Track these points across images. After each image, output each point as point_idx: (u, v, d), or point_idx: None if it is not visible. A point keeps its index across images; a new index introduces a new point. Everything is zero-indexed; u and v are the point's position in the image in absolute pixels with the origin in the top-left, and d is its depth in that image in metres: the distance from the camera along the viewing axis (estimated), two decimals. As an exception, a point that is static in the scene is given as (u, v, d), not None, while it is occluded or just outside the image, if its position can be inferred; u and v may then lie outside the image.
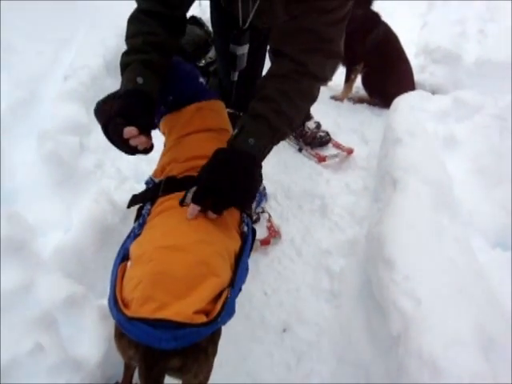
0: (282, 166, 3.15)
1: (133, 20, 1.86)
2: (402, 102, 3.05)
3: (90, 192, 2.37)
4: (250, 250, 1.67)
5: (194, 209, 1.49)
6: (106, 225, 2.19)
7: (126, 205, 2.32)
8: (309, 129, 3.34)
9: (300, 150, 3.31)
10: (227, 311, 1.33)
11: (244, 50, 2.05)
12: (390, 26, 3.77)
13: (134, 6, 4.12)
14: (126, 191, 2.46)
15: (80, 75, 3.22)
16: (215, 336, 1.40)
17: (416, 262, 1.87)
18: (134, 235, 1.58)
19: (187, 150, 1.77)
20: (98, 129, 2.97)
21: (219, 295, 1.36)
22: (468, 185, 2.38)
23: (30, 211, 2.19)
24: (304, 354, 2.11)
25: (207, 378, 1.46)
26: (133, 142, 1.61)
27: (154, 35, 1.75)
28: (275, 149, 3.21)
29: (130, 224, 2.18)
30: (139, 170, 2.71)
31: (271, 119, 1.64)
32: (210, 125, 1.85)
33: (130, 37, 1.83)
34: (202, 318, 1.27)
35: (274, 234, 2.60)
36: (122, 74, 1.75)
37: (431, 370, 1.50)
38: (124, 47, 3.37)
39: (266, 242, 2.55)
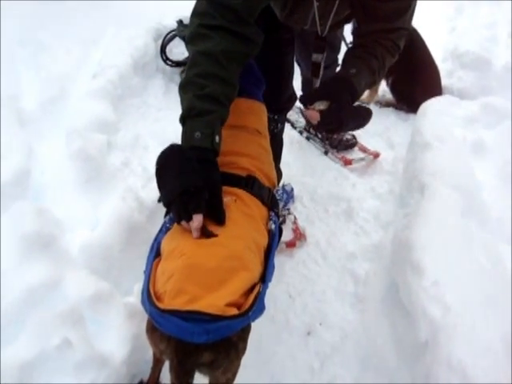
0: (307, 169, 3.14)
1: (196, 38, 1.64)
2: (430, 106, 3.03)
3: (117, 190, 2.38)
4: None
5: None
6: (133, 223, 2.21)
7: (152, 203, 2.36)
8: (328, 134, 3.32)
9: (326, 152, 3.30)
10: (258, 307, 1.34)
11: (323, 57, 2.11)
12: (418, 31, 3.74)
13: (161, 7, 4.19)
14: (152, 189, 2.46)
15: (108, 74, 3.26)
16: (245, 332, 1.41)
17: (444, 268, 1.85)
18: (165, 229, 1.58)
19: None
20: (125, 127, 3.05)
21: (251, 289, 1.37)
22: (496, 191, 2.35)
23: (58, 207, 2.22)
24: (328, 358, 2.11)
25: (234, 376, 1.46)
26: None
27: (232, 86, 1.64)
28: (301, 152, 3.25)
29: (156, 222, 2.20)
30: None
31: (369, 60, 1.83)
32: (244, 123, 1.86)
33: (200, 65, 1.59)
34: (234, 311, 1.28)
35: (299, 236, 2.60)
36: (184, 93, 1.61)
37: (460, 379, 1.48)
38: (151, 47, 3.41)
39: (291, 245, 2.55)
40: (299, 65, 2.83)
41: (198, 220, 1.42)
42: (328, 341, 2.17)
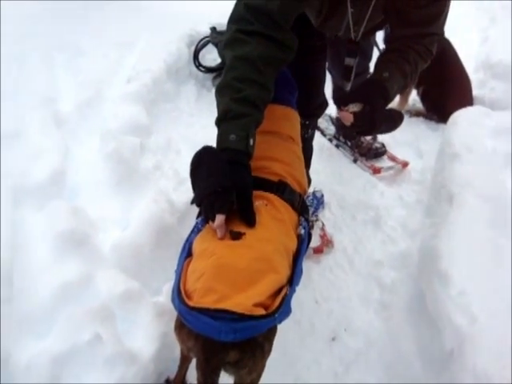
0: (336, 177, 3.16)
1: (234, 43, 1.67)
2: (461, 117, 3.02)
3: (149, 192, 2.42)
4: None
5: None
6: (164, 224, 2.25)
7: (183, 205, 2.40)
8: (365, 140, 3.34)
9: (355, 160, 3.31)
10: (284, 309, 1.36)
11: (355, 61, 2.15)
12: (450, 41, 3.73)
13: (194, 13, 4.25)
14: (183, 192, 2.52)
15: (142, 78, 3.34)
16: (271, 334, 1.43)
17: (472, 278, 1.86)
18: (197, 230, 1.61)
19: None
20: (157, 130, 3.11)
21: (278, 291, 1.39)
22: (526, 203, 2.35)
23: (92, 207, 2.29)
24: (352, 364, 2.11)
25: (259, 376, 1.49)
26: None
27: (268, 91, 1.66)
28: (330, 159, 3.26)
29: (186, 224, 2.26)
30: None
31: (402, 65, 1.87)
32: (277, 129, 1.88)
33: (237, 69, 1.62)
34: (261, 311, 1.30)
35: (326, 242, 2.62)
36: (220, 96, 1.63)
37: (485, 388, 1.49)
38: (185, 53, 3.47)
39: (318, 251, 2.56)
40: (330, 72, 2.85)
41: (219, 220, 1.45)
42: (352, 347, 2.18)
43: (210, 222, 1.48)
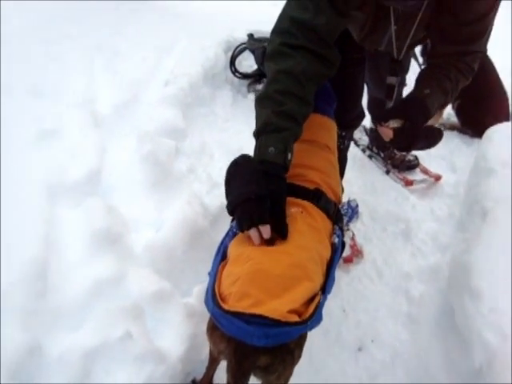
0: (368, 187, 3.16)
1: (278, 56, 1.67)
2: (497, 132, 2.99)
3: (182, 194, 2.45)
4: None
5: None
6: (197, 227, 2.28)
7: (216, 209, 2.42)
8: (398, 152, 3.33)
9: (387, 172, 3.31)
10: (316, 317, 1.37)
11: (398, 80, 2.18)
12: (488, 54, 3.70)
13: (232, 20, 4.29)
14: (216, 196, 2.55)
15: (180, 82, 3.38)
16: (302, 340, 1.44)
17: (503, 294, 1.83)
18: (232, 233, 1.63)
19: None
20: (192, 134, 3.14)
21: (311, 299, 1.40)
22: None
23: (126, 207, 2.32)
24: (377, 375, 2.11)
25: (287, 382, 1.50)
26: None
27: (308, 105, 1.67)
28: (362, 170, 3.26)
29: (219, 228, 2.28)
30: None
31: (443, 82, 1.86)
32: (315, 138, 1.90)
33: (280, 83, 1.62)
34: (295, 318, 1.31)
35: (356, 252, 2.62)
36: (261, 107, 1.64)
37: (514, 407, 1.47)
38: (222, 58, 3.51)
39: (348, 260, 2.57)
40: (367, 84, 2.86)
41: (266, 232, 1.47)
42: (378, 358, 2.18)
43: (252, 231, 1.48)
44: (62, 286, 1.89)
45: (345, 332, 2.26)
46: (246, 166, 1.56)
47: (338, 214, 1.78)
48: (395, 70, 2.14)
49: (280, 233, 1.51)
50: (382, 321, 2.34)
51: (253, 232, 1.48)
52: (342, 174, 2.53)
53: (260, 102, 1.65)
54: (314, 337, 1.57)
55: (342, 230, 1.77)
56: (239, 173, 1.55)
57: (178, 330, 1.90)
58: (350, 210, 2.75)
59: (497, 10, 1.78)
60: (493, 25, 1.83)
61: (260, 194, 1.46)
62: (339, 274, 2.49)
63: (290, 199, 1.60)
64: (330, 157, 1.93)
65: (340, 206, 1.82)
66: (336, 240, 1.68)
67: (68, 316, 1.80)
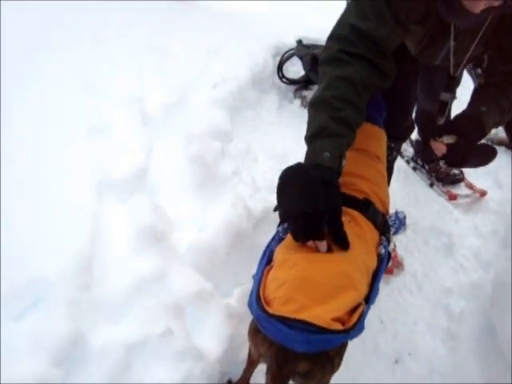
0: (411, 199, 3.13)
1: (336, 62, 1.66)
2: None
3: (226, 196, 2.47)
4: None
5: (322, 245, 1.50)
6: (240, 229, 2.29)
7: (259, 213, 2.44)
8: (443, 165, 3.29)
9: (431, 185, 3.27)
10: (359, 326, 1.37)
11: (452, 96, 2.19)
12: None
13: (281, 25, 4.31)
14: (258, 200, 2.56)
15: (228, 85, 3.41)
16: (342, 349, 1.44)
17: (548, 316, 1.81)
18: (278, 238, 1.63)
19: None
20: (238, 137, 3.16)
21: (355, 308, 1.40)
22: None
23: (171, 206, 2.35)
24: (413, 389, 2.10)
25: None
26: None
27: (362, 115, 1.66)
28: (406, 181, 3.23)
29: (261, 232, 2.30)
30: (273, 181, 2.80)
31: (500, 100, 1.84)
32: (365, 147, 1.89)
33: (338, 89, 1.61)
34: (339, 326, 1.31)
35: (397, 264, 2.60)
36: (317, 111, 1.62)
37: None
38: (270, 63, 3.53)
39: (389, 271, 2.55)
40: (417, 96, 2.84)
41: (322, 247, 1.46)
42: (415, 372, 2.16)
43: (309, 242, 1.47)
44: (106, 279, 1.93)
45: (382, 343, 2.25)
46: (300, 175, 1.50)
47: (385, 225, 1.77)
48: (450, 87, 2.13)
49: (340, 242, 1.49)
50: (420, 334, 2.32)
51: (310, 243, 1.47)
52: (387, 185, 2.51)
53: (315, 106, 1.63)
54: (351, 346, 1.56)
55: (388, 240, 1.76)
56: (294, 181, 1.49)
57: (217, 330, 1.92)
58: (397, 222, 2.71)
59: None
60: None
61: (318, 210, 1.43)
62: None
63: None
64: (380, 167, 1.92)
65: (387, 217, 1.81)
66: (382, 251, 1.67)
67: (111, 309, 1.84)
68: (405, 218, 2.58)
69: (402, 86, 2.30)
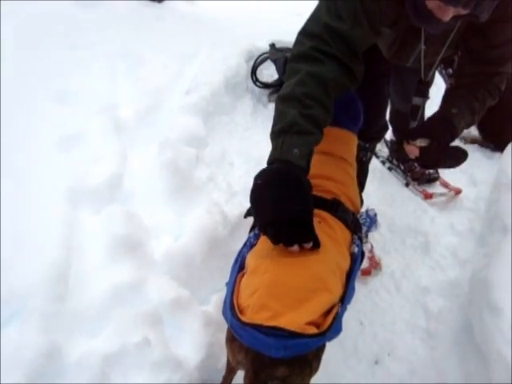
0: (387, 199, 3.14)
1: (308, 59, 1.65)
2: (518, 146, 2.96)
3: (202, 203, 2.46)
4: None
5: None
6: (216, 235, 2.29)
7: (235, 218, 2.43)
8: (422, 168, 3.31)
9: (407, 184, 3.29)
10: (335, 328, 1.38)
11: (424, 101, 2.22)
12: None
13: (253, 29, 4.30)
14: (235, 205, 2.55)
15: (201, 90, 3.41)
16: (320, 352, 1.44)
17: (524, 312, 1.81)
18: (250, 244, 1.64)
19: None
20: (213, 142, 3.16)
21: (330, 310, 1.41)
22: None
23: (146, 214, 2.33)
24: (394, 389, 2.10)
25: None
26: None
27: (330, 115, 1.66)
28: (382, 181, 3.24)
29: (238, 237, 2.29)
30: (249, 185, 2.79)
31: (470, 102, 1.90)
32: (330, 150, 1.90)
33: (308, 86, 1.60)
34: (313, 330, 1.32)
35: (374, 265, 2.61)
36: (286, 107, 1.59)
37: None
38: (243, 68, 3.52)
39: (366, 272, 2.55)
40: (390, 96, 2.86)
41: (295, 249, 1.46)
42: (395, 373, 2.16)
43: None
44: (81, 290, 1.92)
45: (361, 344, 2.25)
46: (274, 179, 1.46)
47: (356, 224, 1.78)
48: (422, 92, 2.16)
49: (314, 244, 1.48)
50: (399, 334, 2.32)
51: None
52: (363, 186, 2.52)
53: (284, 101, 1.61)
54: (330, 348, 1.57)
55: (360, 239, 1.76)
56: (268, 187, 1.46)
57: (196, 338, 1.91)
58: (368, 220, 2.73)
59: None
60: None
61: (291, 216, 1.42)
62: (357, 285, 2.42)
63: None
64: (347, 168, 1.92)
65: (358, 216, 1.82)
66: (355, 250, 1.68)
67: (87, 321, 1.83)
68: (375, 215, 2.59)
69: (374, 86, 2.32)
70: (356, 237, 1.74)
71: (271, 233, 1.46)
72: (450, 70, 2.29)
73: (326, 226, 1.63)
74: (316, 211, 1.61)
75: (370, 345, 2.26)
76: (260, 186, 1.47)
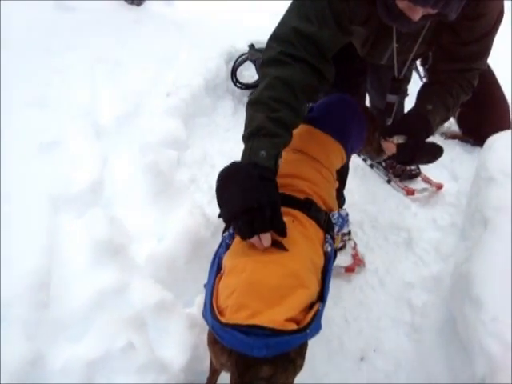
0: (370, 196, 3.15)
1: (278, 63, 1.67)
2: (498, 140, 2.98)
3: (184, 205, 2.46)
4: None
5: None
6: (199, 237, 2.29)
7: (217, 220, 2.42)
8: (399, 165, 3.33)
9: (389, 181, 3.30)
10: (315, 325, 1.37)
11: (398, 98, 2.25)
12: (489, 64, 3.70)
13: (233, 30, 4.31)
14: (217, 207, 2.54)
15: (181, 92, 3.40)
16: (303, 349, 1.44)
17: (505, 304, 1.82)
18: (225, 244, 1.64)
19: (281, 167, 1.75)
20: (194, 144, 3.16)
21: (310, 307, 1.41)
22: None
23: (128, 217, 2.33)
24: (380, 385, 2.11)
25: None
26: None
27: (299, 117, 1.69)
28: (364, 179, 3.26)
29: (220, 239, 2.28)
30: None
31: (445, 98, 1.94)
32: (304, 149, 1.90)
33: (276, 90, 1.62)
34: (293, 326, 1.32)
35: (358, 262, 2.62)
36: (254, 111, 1.63)
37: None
38: (223, 69, 3.52)
39: (350, 270, 2.57)
40: (368, 93, 2.87)
41: (266, 239, 1.46)
42: (381, 368, 2.17)
43: (255, 239, 1.47)
44: (64, 296, 1.91)
45: (347, 341, 2.26)
46: (238, 173, 1.52)
47: (329, 223, 1.78)
48: (396, 89, 2.20)
49: (280, 233, 1.49)
50: (384, 330, 2.34)
51: (255, 240, 1.47)
52: (344, 184, 2.52)
53: (253, 106, 1.65)
54: (315, 346, 1.58)
55: (333, 238, 1.77)
56: (233, 180, 1.51)
57: (180, 341, 1.91)
58: (340, 219, 2.74)
59: (497, 30, 1.83)
60: (493, 43, 1.89)
61: (261, 203, 1.43)
62: (341, 283, 2.50)
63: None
64: (321, 169, 1.90)
65: (331, 215, 1.82)
66: (328, 249, 1.68)
67: (70, 326, 1.82)
68: (347, 215, 2.60)
69: (352, 84, 2.33)
70: (328, 236, 1.74)
71: (238, 224, 1.47)
72: (426, 67, 2.32)
73: (299, 224, 1.64)
74: (289, 210, 1.64)
75: (356, 341, 2.27)
76: (223, 183, 1.53)
